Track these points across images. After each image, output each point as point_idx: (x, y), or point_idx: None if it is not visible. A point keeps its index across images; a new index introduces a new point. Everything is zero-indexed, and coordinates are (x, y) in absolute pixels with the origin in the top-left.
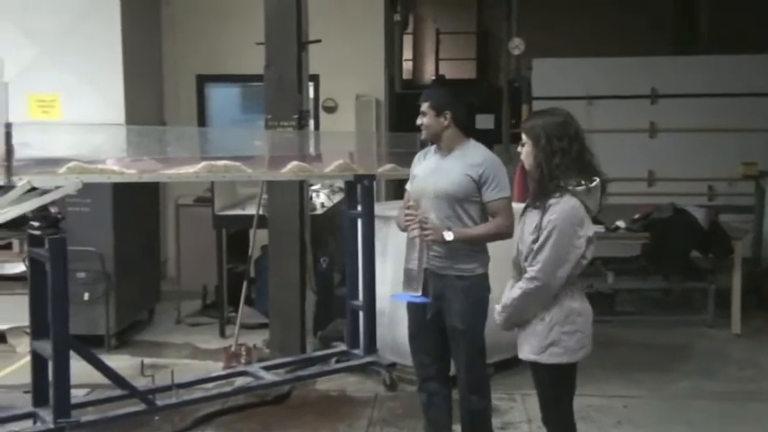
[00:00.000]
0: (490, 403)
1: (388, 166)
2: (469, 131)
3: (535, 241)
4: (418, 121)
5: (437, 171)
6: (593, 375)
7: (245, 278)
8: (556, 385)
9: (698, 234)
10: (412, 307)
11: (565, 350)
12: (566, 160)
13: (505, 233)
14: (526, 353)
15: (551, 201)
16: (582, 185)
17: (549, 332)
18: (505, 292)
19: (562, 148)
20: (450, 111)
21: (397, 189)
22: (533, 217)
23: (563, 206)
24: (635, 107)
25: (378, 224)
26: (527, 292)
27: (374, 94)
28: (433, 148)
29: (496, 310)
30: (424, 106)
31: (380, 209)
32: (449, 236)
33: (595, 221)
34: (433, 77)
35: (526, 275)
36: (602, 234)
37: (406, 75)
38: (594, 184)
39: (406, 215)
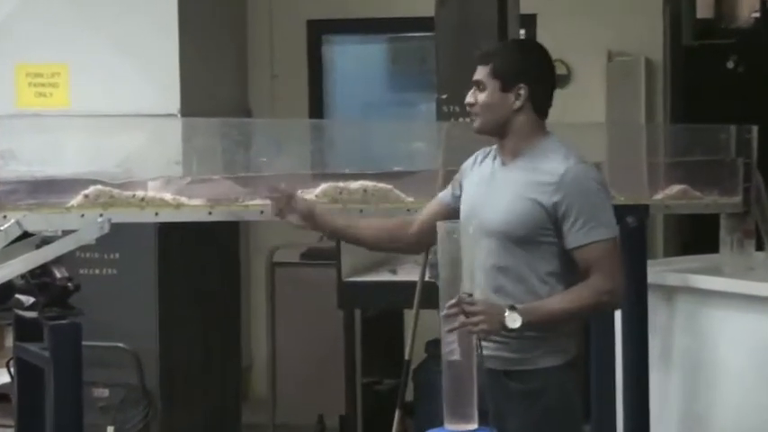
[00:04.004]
0: None
1: (675, 188)
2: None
3: None
4: (468, 99)
5: (490, 190)
6: None
7: (399, 403)
8: None
9: None
10: None
11: None
12: None
13: (607, 302)
14: None
15: None
16: None
17: None
18: None
19: None
20: (527, 83)
21: (689, 233)
22: None
23: None
24: None
25: (656, 300)
26: None
27: (642, 50)
28: (493, 148)
29: None
30: (481, 73)
31: (658, 272)
32: (514, 321)
33: None
34: (756, 14)
35: None
36: None
37: (704, 12)
38: None
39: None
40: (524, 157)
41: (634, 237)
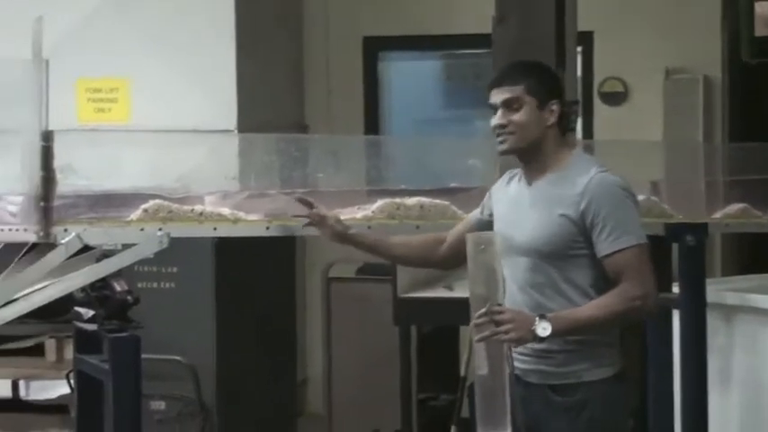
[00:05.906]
0: None
1: (735, 207)
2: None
3: None
4: (496, 121)
5: (519, 209)
6: None
7: (454, 419)
8: None
9: None
10: None
11: None
12: None
13: (639, 308)
14: None
15: None
16: None
17: None
18: None
19: None
20: (559, 99)
21: (749, 252)
22: None
23: None
24: None
25: (715, 321)
26: None
27: (700, 67)
28: (518, 171)
29: None
30: (517, 90)
31: (717, 291)
32: (544, 329)
33: None
34: None
35: None
36: None
37: (762, 30)
38: None
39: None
40: (551, 174)
41: (693, 256)
